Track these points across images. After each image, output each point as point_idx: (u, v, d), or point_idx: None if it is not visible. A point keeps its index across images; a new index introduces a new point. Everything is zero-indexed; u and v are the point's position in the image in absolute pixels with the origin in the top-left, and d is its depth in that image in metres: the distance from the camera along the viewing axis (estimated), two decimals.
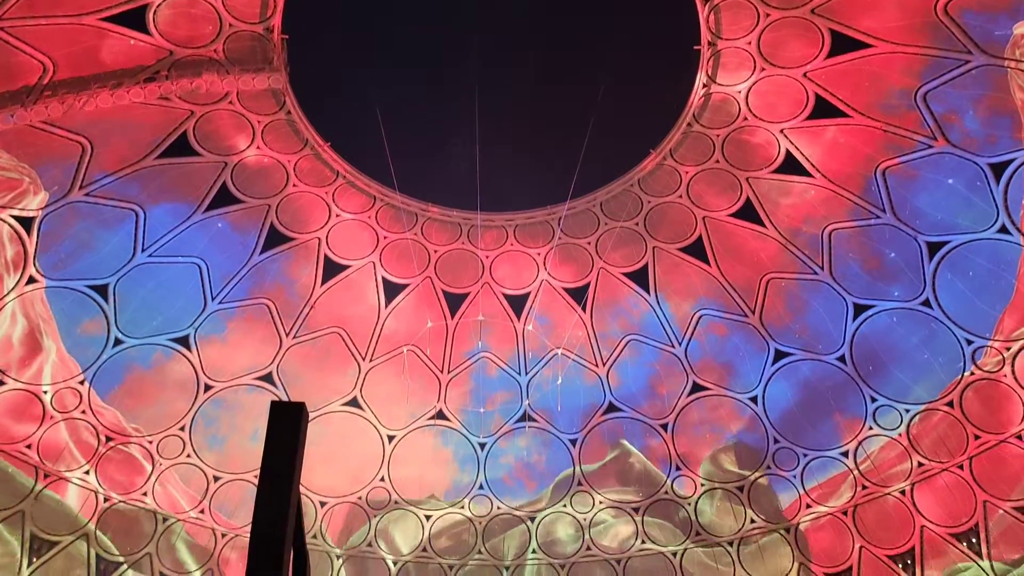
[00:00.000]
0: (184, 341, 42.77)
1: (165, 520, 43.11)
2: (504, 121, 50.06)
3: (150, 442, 42.41)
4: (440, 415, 47.42)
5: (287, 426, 2.80)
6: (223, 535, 43.69)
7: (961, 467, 39.42)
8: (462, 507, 47.63)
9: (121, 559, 42.17)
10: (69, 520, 40.16)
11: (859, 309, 42.50)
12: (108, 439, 41.03)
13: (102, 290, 40.31)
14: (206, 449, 43.33)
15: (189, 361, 42.87)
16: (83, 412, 40.31)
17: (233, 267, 43.78)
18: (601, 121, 41.35)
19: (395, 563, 46.65)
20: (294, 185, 44.03)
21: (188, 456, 42.95)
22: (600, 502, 47.35)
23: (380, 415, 46.73)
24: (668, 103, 43.60)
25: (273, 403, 3.23)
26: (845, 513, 42.61)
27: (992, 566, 38.32)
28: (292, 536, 2.76)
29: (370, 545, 46.43)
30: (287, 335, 44.93)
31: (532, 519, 47.65)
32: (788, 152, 42.07)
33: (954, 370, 39.98)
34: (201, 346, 43.19)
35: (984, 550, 38.43)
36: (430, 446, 47.71)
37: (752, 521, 44.68)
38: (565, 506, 47.37)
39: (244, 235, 43.92)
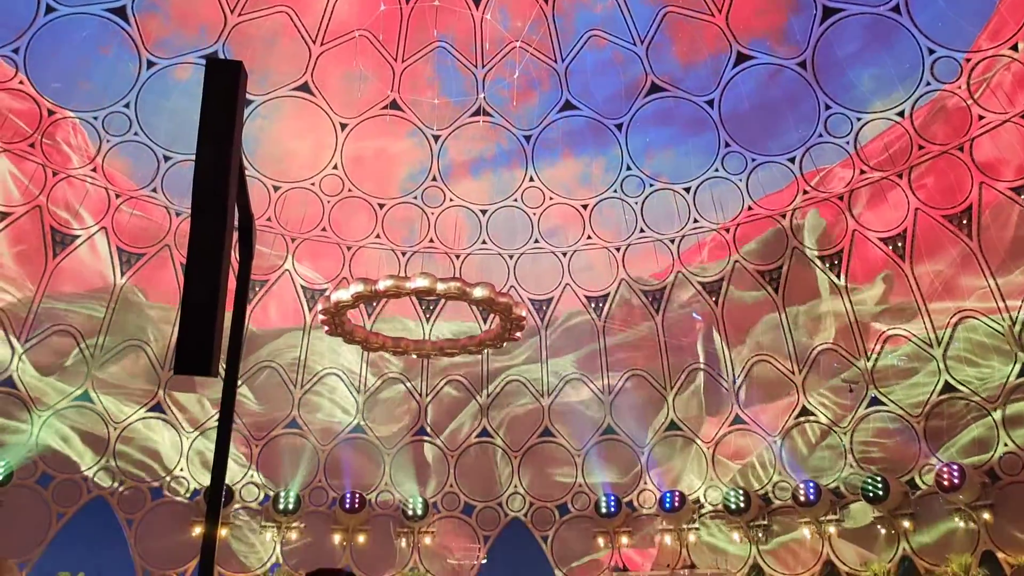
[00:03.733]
0: (122, 12, 40.78)
1: (118, 197, 43.79)
2: None
3: (95, 118, 41.92)
4: (394, 105, 46.76)
5: (224, 83, 2.52)
6: (178, 214, 44.61)
7: (901, 176, 40.10)
8: (415, 197, 48.47)
9: (79, 232, 43.34)
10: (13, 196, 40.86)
11: (828, 12, 40.79)
12: (51, 112, 40.46)
13: None
14: (154, 127, 42.90)
15: (128, 35, 41.19)
16: (21, 83, 39.38)
17: None
18: None
19: (348, 248, 48.30)
20: None
21: (136, 134, 42.68)
22: (551, 199, 48.25)
23: (332, 102, 46.00)
24: None
25: (208, 59, 2.90)
26: (784, 216, 43.89)
27: (913, 269, 40.30)
28: (235, 199, 2.51)
29: (324, 231, 47.73)
30: (231, 12, 42.88)
31: (484, 212, 48.75)
32: None
33: (913, 82, 39.37)
34: (141, 20, 41.29)
35: (908, 253, 40.24)
36: (383, 135, 47.53)
37: (695, 221, 46.00)
38: (516, 200, 48.30)
39: None
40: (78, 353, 43.68)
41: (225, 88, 2.64)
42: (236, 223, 3.14)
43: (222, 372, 2.71)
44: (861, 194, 41.96)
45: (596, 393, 48.49)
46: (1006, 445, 37.87)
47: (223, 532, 45.08)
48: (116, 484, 44.38)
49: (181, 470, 45.25)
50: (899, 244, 40.74)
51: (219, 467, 3.04)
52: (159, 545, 43.61)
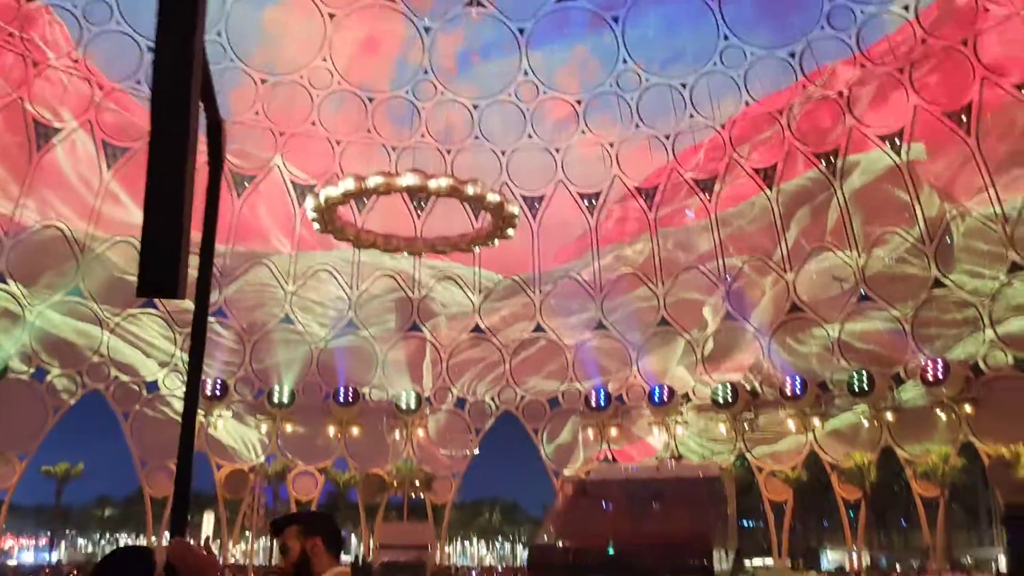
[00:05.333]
0: None
1: (101, 88, 42.71)
2: None
3: (75, 6, 40.50)
4: None
5: None
6: None
7: (902, 71, 39.38)
8: (406, 92, 47.39)
9: (66, 123, 42.49)
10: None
11: None
12: None
13: None
14: (136, 16, 41.43)
15: None
16: None
17: None
18: None
19: (338, 143, 47.50)
20: None
21: (117, 23, 41.32)
22: (544, 93, 47.25)
23: None
24: None
25: None
26: (781, 112, 43.22)
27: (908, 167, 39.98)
28: (198, 95, 2.20)
29: (313, 124, 46.85)
30: None
31: (476, 107, 47.80)
32: None
33: None
34: None
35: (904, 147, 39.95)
36: (372, 27, 46.10)
37: (691, 116, 45.25)
38: (509, 95, 47.29)
39: None
40: (68, 246, 43.46)
41: None
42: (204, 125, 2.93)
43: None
44: (862, 95, 41.11)
45: (587, 289, 48.67)
46: (992, 342, 38.38)
47: (219, 424, 45.95)
48: (111, 379, 44.86)
49: (176, 364, 45.63)
50: (896, 142, 40.23)
51: (192, 387, 2.92)
52: (155, 439, 44.36)
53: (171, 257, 2.22)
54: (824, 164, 42.76)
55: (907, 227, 40.67)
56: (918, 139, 39.58)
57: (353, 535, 60.68)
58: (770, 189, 44.30)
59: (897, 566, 42.54)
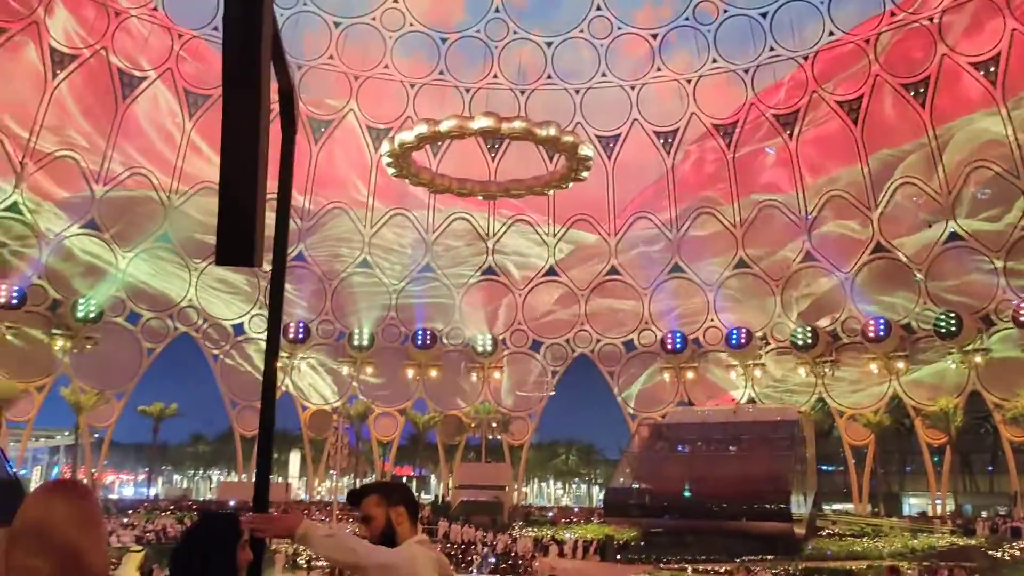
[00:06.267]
0: None
1: (181, 36, 43.37)
2: None
3: None
4: None
5: None
6: None
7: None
8: (478, 31, 46.86)
9: (151, 72, 43.40)
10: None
11: None
12: None
13: None
14: None
15: None
16: None
17: None
18: None
19: (412, 86, 47.42)
20: None
21: None
22: (619, 28, 46.15)
23: None
24: None
25: None
26: (867, 41, 41.33)
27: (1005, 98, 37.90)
28: (268, 61, 2.24)
29: (387, 67, 46.82)
30: None
31: (548, 44, 47.03)
32: None
33: None
34: None
35: (1000, 81, 37.79)
36: None
37: (771, 49, 43.65)
38: (582, 31, 46.37)
39: None
40: (155, 194, 44.72)
41: None
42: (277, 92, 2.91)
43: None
44: (954, 22, 38.91)
45: (663, 231, 47.99)
46: None
47: (302, 367, 47.36)
48: (201, 321, 46.41)
49: (261, 307, 46.85)
50: (991, 70, 38.09)
51: (273, 334, 2.96)
52: (243, 379, 45.92)
53: (247, 229, 2.23)
54: (912, 95, 40.79)
55: (1002, 161, 38.70)
56: (1014, 65, 37.39)
57: (433, 475, 62.18)
58: (855, 123, 42.58)
59: (983, 513, 41.48)
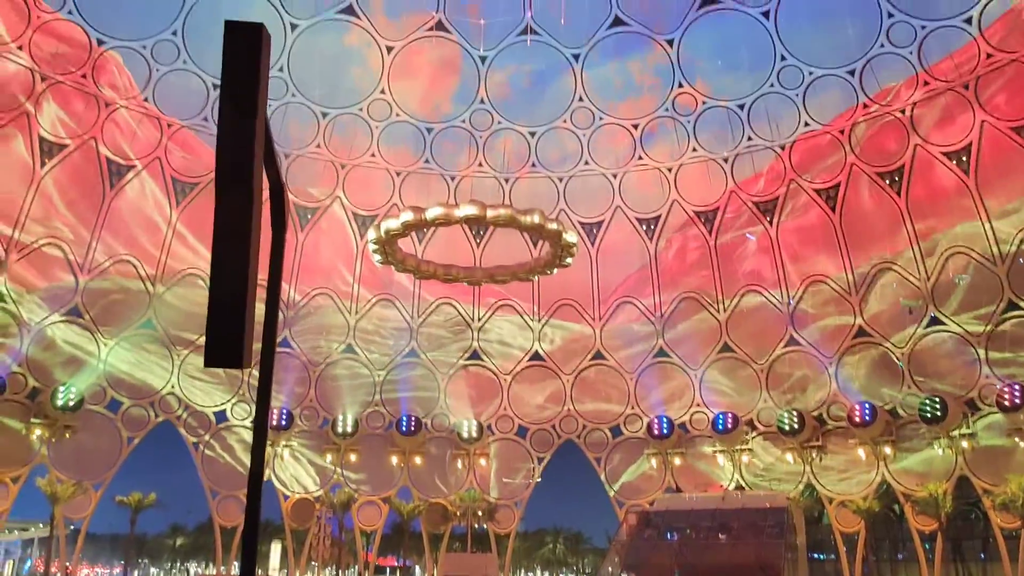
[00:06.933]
0: None
1: (170, 126, 44.05)
2: None
3: (143, 47, 41.95)
4: (439, 26, 45.81)
5: (245, 46, 2.37)
6: None
7: (967, 87, 38.37)
8: (463, 121, 47.86)
9: (136, 162, 43.85)
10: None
11: None
12: (100, 42, 40.62)
13: None
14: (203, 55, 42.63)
15: None
16: (69, 12, 39.49)
17: None
18: None
19: (397, 174, 48.14)
20: None
21: (184, 63, 42.62)
22: (600, 119, 47.27)
23: (377, 25, 45.24)
24: None
25: (228, 22, 2.74)
26: (842, 132, 42.47)
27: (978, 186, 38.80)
28: (260, 169, 2.35)
29: (373, 156, 47.54)
30: None
31: (532, 134, 48.03)
32: None
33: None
34: None
35: (972, 169, 38.77)
36: (428, 58, 46.81)
37: (749, 139, 44.75)
38: (565, 121, 47.43)
39: None
40: (140, 283, 44.69)
41: (247, 51, 2.46)
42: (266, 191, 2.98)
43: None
44: (925, 114, 40.16)
45: (647, 316, 48.24)
46: None
47: (285, 455, 46.67)
48: (182, 410, 45.85)
49: (243, 394, 46.44)
50: (963, 159, 39.15)
51: (260, 420, 2.96)
52: (224, 469, 45.15)
53: (236, 332, 2.27)
54: (888, 183, 41.74)
55: (977, 247, 39.41)
56: (985, 155, 38.44)
57: (417, 566, 60.69)
58: (832, 210, 43.43)
59: None
